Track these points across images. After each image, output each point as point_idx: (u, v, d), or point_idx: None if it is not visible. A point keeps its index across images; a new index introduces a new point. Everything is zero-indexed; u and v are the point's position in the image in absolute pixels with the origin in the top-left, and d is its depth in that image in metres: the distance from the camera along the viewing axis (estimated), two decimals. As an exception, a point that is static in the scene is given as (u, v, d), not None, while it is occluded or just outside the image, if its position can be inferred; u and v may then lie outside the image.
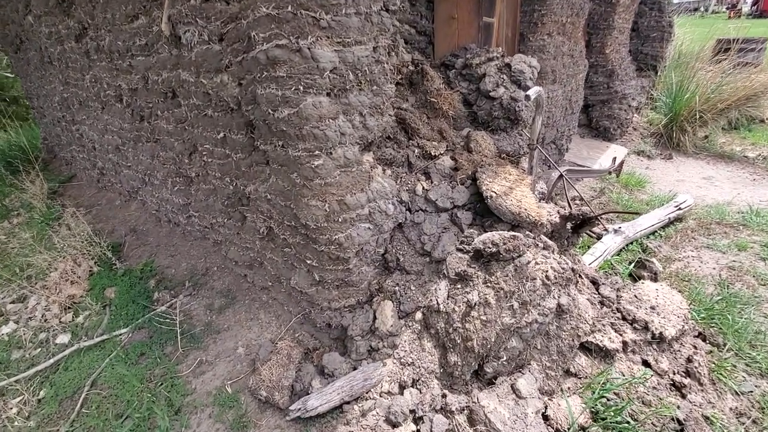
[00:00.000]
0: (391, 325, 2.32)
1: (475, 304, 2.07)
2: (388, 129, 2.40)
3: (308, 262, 2.45)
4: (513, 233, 2.17)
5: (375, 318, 2.43)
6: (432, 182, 2.76)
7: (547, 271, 2.09)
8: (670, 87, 6.71)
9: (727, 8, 23.44)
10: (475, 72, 3.10)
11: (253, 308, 2.91)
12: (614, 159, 5.01)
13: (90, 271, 3.58)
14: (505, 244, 2.11)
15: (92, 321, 3.04)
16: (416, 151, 2.85)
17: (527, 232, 2.40)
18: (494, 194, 2.40)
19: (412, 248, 2.60)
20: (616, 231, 3.45)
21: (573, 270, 2.16)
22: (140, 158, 3.77)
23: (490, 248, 2.14)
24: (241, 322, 2.82)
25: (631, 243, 3.60)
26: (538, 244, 2.28)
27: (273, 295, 2.91)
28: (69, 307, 3.23)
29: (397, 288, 2.49)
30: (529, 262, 2.07)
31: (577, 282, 2.19)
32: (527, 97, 2.24)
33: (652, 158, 6.19)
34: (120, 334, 2.84)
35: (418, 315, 2.36)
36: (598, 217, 2.48)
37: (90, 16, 3.28)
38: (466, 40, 3.58)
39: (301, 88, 1.91)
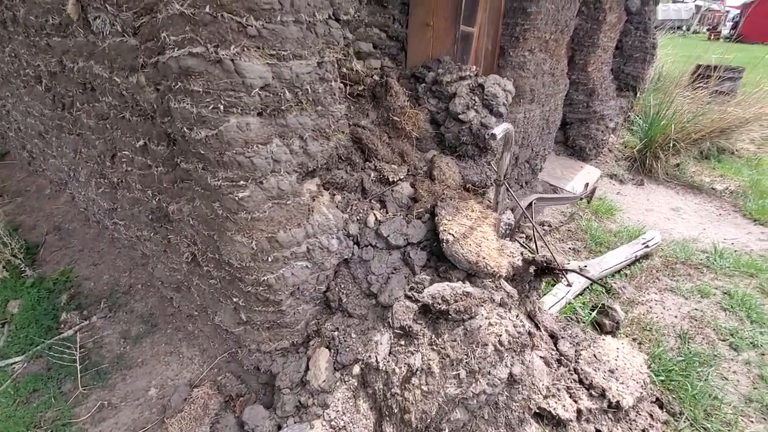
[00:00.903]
0: (324, 380, 2.03)
1: (417, 369, 1.80)
2: (335, 154, 2.08)
3: (234, 299, 2.12)
4: (466, 289, 1.90)
5: (308, 368, 2.13)
6: (387, 212, 2.47)
7: (500, 336, 1.84)
8: (647, 110, 6.64)
9: (708, 30, 24.02)
10: (445, 90, 2.81)
11: (175, 339, 2.55)
12: (586, 185, 4.87)
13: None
14: (456, 302, 1.85)
15: (-15, 342, 2.62)
16: (372, 174, 2.54)
17: (485, 282, 2.15)
18: (451, 237, 2.13)
19: (358, 287, 2.31)
20: (581, 269, 3.27)
21: (530, 333, 1.92)
22: (64, 150, 3.30)
23: (439, 305, 1.87)
24: (159, 355, 2.47)
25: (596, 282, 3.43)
26: (494, 299, 2.03)
27: (199, 326, 2.57)
28: (-39, 321, 2.78)
29: (336, 333, 2.20)
30: (480, 326, 1.82)
31: (534, 345, 1.96)
32: (492, 136, 1.97)
33: (624, 183, 6.12)
34: (13, 363, 2.43)
35: (356, 369, 2.08)
36: (563, 272, 2.25)
37: (3, -19, 2.78)
38: (440, 51, 3.28)
39: (222, 106, 1.57)
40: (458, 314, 1.81)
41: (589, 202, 4.94)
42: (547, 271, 2.40)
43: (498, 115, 2.71)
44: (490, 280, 2.16)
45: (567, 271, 2.24)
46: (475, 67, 2.90)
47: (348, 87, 2.77)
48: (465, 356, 1.79)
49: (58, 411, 2.19)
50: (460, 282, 2.06)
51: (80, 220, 3.76)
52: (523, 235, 3.89)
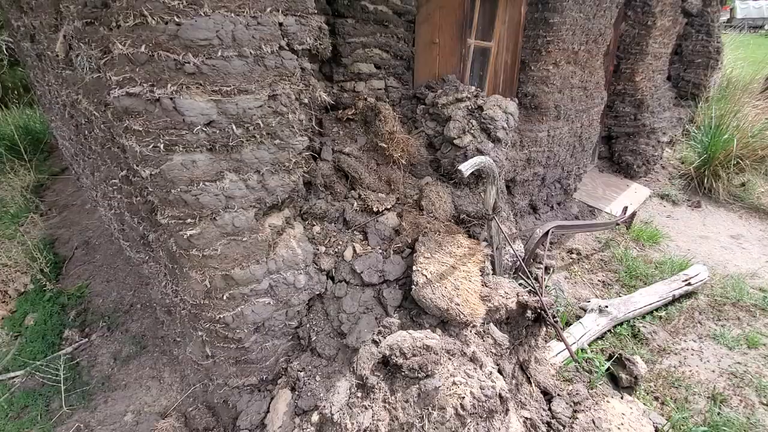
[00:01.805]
0: (280, 426, 1.92)
1: (365, 430, 1.63)
2: (299, 188, 1.98)
3: (199, 333, 2.08)
4: (427, 342, 1.71)
5: (269, 410, 2.04)
6: (369, 244, 2.33)
7: (464, 398, 1.62)
8: (709, 122, 5.90)
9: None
10: (441, 112, 2.63)
11: (160, 363, 2.58)
12: (625, 208, 4.38)
13: (23, 289, 3.38)
14: (413, 356, 1.66)
15: (0, 352, 2.81)
16: (356, 204, 2.42)
17: (461, 331, 1.93)
18: (423, 279, 1.94)
19: (330, 325, 2.18)
20: (600, 311, 2.89)
21: (501, 398, 1.67)
22: (86, 170, 3.53)
23: (396, 357, 1.69)
24: (142, 379, 2.50)
25: (622, 324, 3.02)
26: (465, 352, 1.81)
27: (182, 351, 2.57)
28: (-14, 330, 3.03)
29: (302, 374, 2.09)
30: (438, 387, 1.61)
31: (508, 410, 1.71)
32: (459, 173, 1.76)
33: (677, 204, 5.45)
34: (14, 377, 2.58)
35: (315, 417, 1.94)
36: (556, 326, 1.96)
37: (33, 19, 3.03)
38: (447, 69, 3.10)
39: (162, 145, 1.53)
40: (412, 372, 1.62)
41: (628, 228, 4.44)
42: (542, 319, 2.12)
43: (496, 140, 2.48)
44: (467, 328, 1.94)
45: (555, 325, 1.95)
46: (474, 87, 2.69)
47: (338, 111, 2.69)
48: (418, 420, 1.59)
49: (41, 429, 2.28)
50: (428, 330, 1.86)
51: (106, 236, 4.00)
52: (542, 266, 3.55)
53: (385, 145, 2.43)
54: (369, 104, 2.64)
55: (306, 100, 1.82)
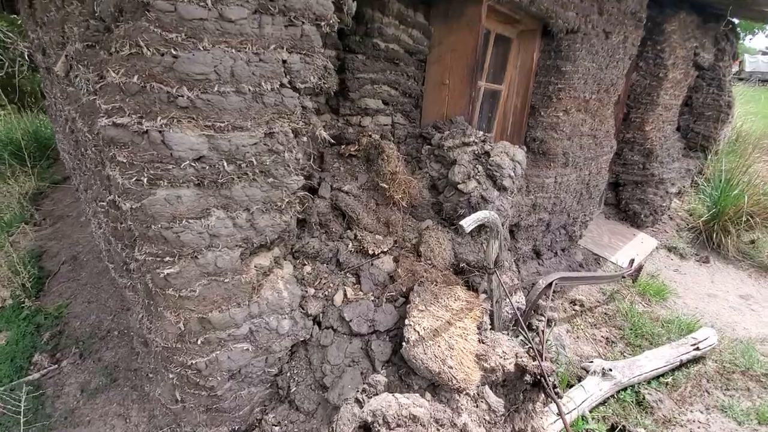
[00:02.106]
0: (247, 490, 1.74)
1: None
2: (290, 228, 1.88)
3: (170, 375, 1.93)
4: (414, 411, 1.55)
5: (237, 468, 1.86)
6: (361, 289, 2.20)
7: (450, 480, 1.45)
8: (718, 176, 5.82)
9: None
10: (447, 155, 2.55)
11: (129, 400, 2.41)
12: (632, 261, 4.24)
13: (0, 304, 3.24)
14: (398, 426, 1.50)
15: (-37, 374, 2.65)
16: (351, 245, 2.30)
17: (453, 397, 1.77)
18: (415, 336, 1.80)
19: (312, 376, 2.03)
20: (603, 374, 2.71)
21: (492, 481, 1.50)
22: (81, 185, 3.45)
23: (378, 426, 1.53)
24: (108, 416, 2.33)
25: (626, 389, 2.83)
26: (455, 423, 1.65)
27: (154, 389, 2.41)
28: (-46, 347, 2.87)
29: (276, 429, 1.92)
30: (423, 466, 1.45)
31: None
32: (460, 228, 1.66)
33: (685, 258, 5.31)
34: (-27, 403, 2.41)
35: (287, 482, 1.76)
36: (556, 401, 1.80)
37: (44, 34, 3.04)
38: (455, 110, 3.04)
39: (146, 179, 1.44)
40: (395, 446, 1.46)
41: (634, 281, 4.28)
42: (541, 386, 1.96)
43: (502, 188, 2.38)
44: (460, 394, 1.78)
45: (555, 398, 1.79)
46: (482, 132, 2.61)
47: (341, 146, 2.62)
48: (398, 504, 1.42)
49: (-8, 467, 2.10)
50: (416, 395, 1.71)
51: (95, 253, 3.88)
52: (544, 319, 3.38)
53: (386, 186, 2.34)
54: (373, 141, 2.57)
55: (305, 139, 1.74)
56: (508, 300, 2.48)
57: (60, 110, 3.43)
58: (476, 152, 2.51)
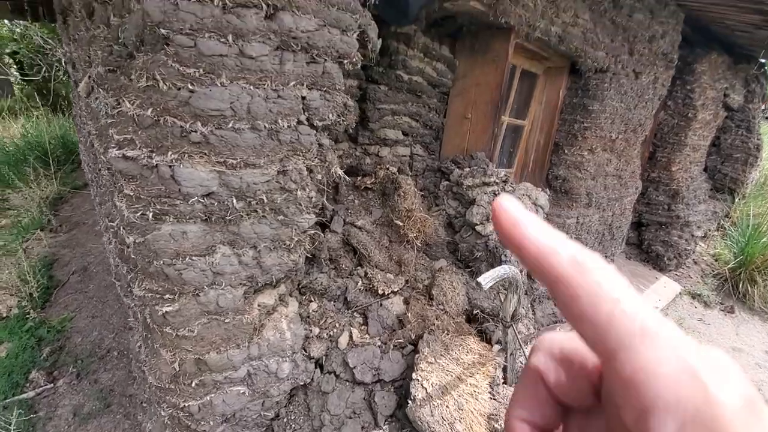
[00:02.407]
0: None
1: None
2: (298, 267, 1.79)
3: (162, 414, 1.83)
4: (417, 484, 1.41)
5: None
6: (368, 331, 2.09)
7: None
8: (746, 221, 5.57)
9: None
10: (465, 193, 2.45)
11: (120, 429, 2.32)
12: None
13: (6, 313, 3.22)
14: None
15: (-40, 385, 2.61)
16: (360, 283, 2.21)
17: (459, 463, 1.63)
18: (423, 393, 1.67)
19: (310, 424, 1.90)
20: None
21: None
22: (96, 198, 3.46)
23: (377, 497, 1.40)
24: (97, 446, 2.23)
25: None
26: (462, 498, 1.50)
27: (146, 419, 2.31)
28: (-44, 356, 2.84)
29: (269, 481, 1.80)
30: None
31: None
32: (478, 285, 1.55)
33: (709, 306, 5.03)
34: (-36, 420, 2.35)
35: None
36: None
37: (74, 50, 3.10)
38: (476, 146, 2.96)
39: (151, 214, 1.38)
40: None
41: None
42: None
43: (522, 233, 2.27)
44: (468, 461, 1.63)
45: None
46: (503, 172, 2.52)
47: (357, 178, 2.55)
48: None
49: (-27, 493, 2.01)
50: (420, 461, 1.57)
51: (105, 265, 3.87)
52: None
53: (401, 224, 2.25)
54: (390, 175, 2.50)
55: (320, 176, 1.67)
56: (523, 351, 2.33)
57: (83, 123, 3.47)
58: (496, 193, 2.41)
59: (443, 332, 1.99)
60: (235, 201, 1.47)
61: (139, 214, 1.39)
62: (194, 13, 1.23)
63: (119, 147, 1.37)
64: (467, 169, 2.56)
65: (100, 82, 1.84)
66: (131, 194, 1.37)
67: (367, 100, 2.72)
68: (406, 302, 2.21)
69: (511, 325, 1.92)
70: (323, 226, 2.33)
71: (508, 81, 3.22)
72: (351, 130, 2.89)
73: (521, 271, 2.21)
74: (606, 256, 4.43)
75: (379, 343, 2.00)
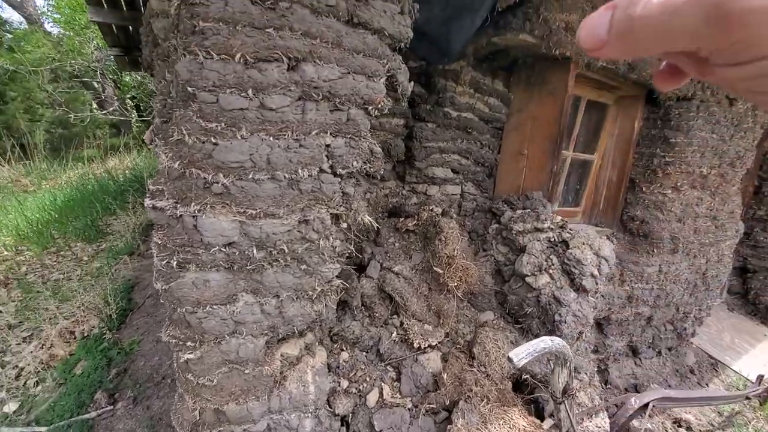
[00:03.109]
0: None
1: None
2: (322, 318, 1.71)
3: (189, 457, 1.83)
4: None
5: None
6: (400, 389, 1.93)
7: None
8: None
9: None
10: (515, 239, 2.23)
11: (161, 461, 2.37)
12: (760, 377, 3.28)
13: (87, 333, 3.57)
14: None
15: (41, 399, 2.90)
16: (395, 333, 2.07)
17: None
18: (450, 475, 1.46)
19: (332, 488, 1.77)
20: None
21: None
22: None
23: None
24: (139, 476, 2.30)
25: None
26: None
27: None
28: (43, 369, 3.19)
29: None
30: None
31: None
32: (509, 361, 1.32)
33: None
34: (37, 433, 2.58)
35: None
36: None
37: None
38: (532, 185, 2.72)
39: (175, 262, 1.41)
40: None
41: (762, 404, 3.28)
42: None
43: (581, 289, 1.97)
44: None
45: None
46: (560, 218, 2.24)
47: (398, 219, 2.46)
48: None
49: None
50: None
51: (174, 290, 4.16)
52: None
53: (441, 271, 2.09)
54: (433, 217, 2.36)
55: (345, 225, 1.61)
56: (584, 424, 1.99)
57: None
58: (551, 240, 2.15)
59: (482, 401, 1.76)
60: (255, 250, 1.45)
61: (165, 262, 1.42)
62: (217, 71, 1.27)
63: (152, 197, 1.43)
64: (519, 212, 2.34)
65: (157, 132, 1.99)
66: (159, 242, 1.42)
67: (414, 139, 2.66)
68: (444, 359, 2.01)
69: (563, 401, 1.64)
70: (360, 269, 2.26)
71: (572, 112, 2.96)
72: (399, 169, 2.83)
73: (581, 333, 1.91)
74: (699, 309, 3.76)
75: (410, 406, 1.82)
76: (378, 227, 2.42)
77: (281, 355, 1.67)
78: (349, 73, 1.43)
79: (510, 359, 1.31)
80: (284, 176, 1.41)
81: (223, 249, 1.43)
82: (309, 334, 1.82)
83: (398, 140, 2.62)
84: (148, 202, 1.44)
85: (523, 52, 2.50)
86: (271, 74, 1.31)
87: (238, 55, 1.26)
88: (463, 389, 1.83)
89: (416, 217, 2.41)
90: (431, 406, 1.79)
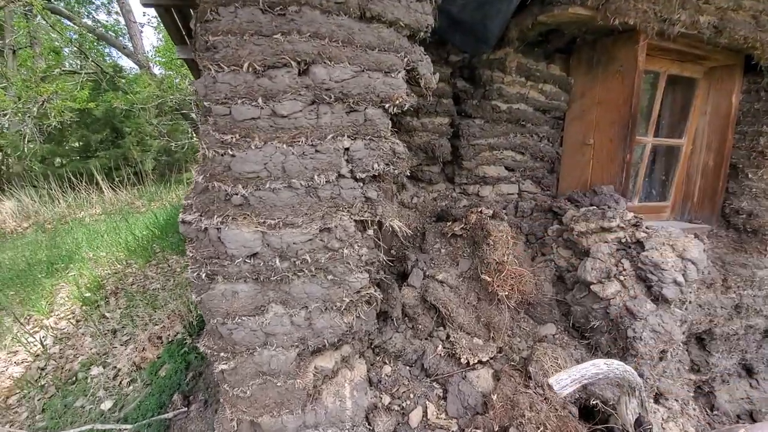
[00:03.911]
0: None
1: None
2: (354, 330, 1.63)
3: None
4: None
5: None
6: (446, 410, 1.78)
7: None
8: None
9: None
10: (578, 242, 1.95)
11: (224, 464, 2.47)
12: None
13: (173, 337, 3.92)
14: None
15: (132, 397, 3.22)
16: (440, 347, 1.92)
17: None
18: None
19: None
20: None
21: None
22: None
23: None
24: (204, 477, 2.42)
25: None
26: None
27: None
28: (135, 370, 3.56)
29: None
30: None
31: None
32: (549, 388, 1.09)
33: None
34: (123, 430, 2.86)
35: None
36: None
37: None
38: (601, 178, 2.39)
39: (204, 274, 1.44)
40: None
41: None
42: None
43: (660, 299, 1.64)
44: None
45: None
46: (633, 215, 1.90)
47: (445, 224, 2.31)
48: None
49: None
50: None
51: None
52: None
53: (489, 279, 1.90)
54: (482, 219, 2.17)
55: (371, 232, 1.52)
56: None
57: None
58: (622, 241, 1.83)
59: (538, 428, 1.53)
60: (278, 261, 1.43)
61: (196, 274, 1.46)
62: (228, 83, 1.27)
63: (184, 211, 1.49)
64: (582, 210, 2.05)
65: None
66: (191, 255, 1.46)
67: (461, 137, 2.49)
68: (497, 377, 1.81)
69: (637, 434, 1.35)
70: (403, 277, 2.15)
71: (650, 92, 2.55)
72: (448, 170, 2.68)
73: (664, 351, 1.59)
74: None
75: (456, 428, 1.66)
76: (424, 231, 2.29)
77: (315, 368, 1.63)
78: (363, 71, 1.35)
79: (550, 386, 1.10)
80: (300, 184, 1.37)
81: (247, 260, 1.43)
82: (345, 346, 1.75)
83: (443, 140, 2.47)
84: (180, 216, 1.49)
85: (579, 29, 2.21)
86: (281, 80, 1.29)
87: (246, 65, 1.25)
88: (515, 413, 1.61)
89: (464, 220, 2.23)
90: (478, 431, 1.60)
